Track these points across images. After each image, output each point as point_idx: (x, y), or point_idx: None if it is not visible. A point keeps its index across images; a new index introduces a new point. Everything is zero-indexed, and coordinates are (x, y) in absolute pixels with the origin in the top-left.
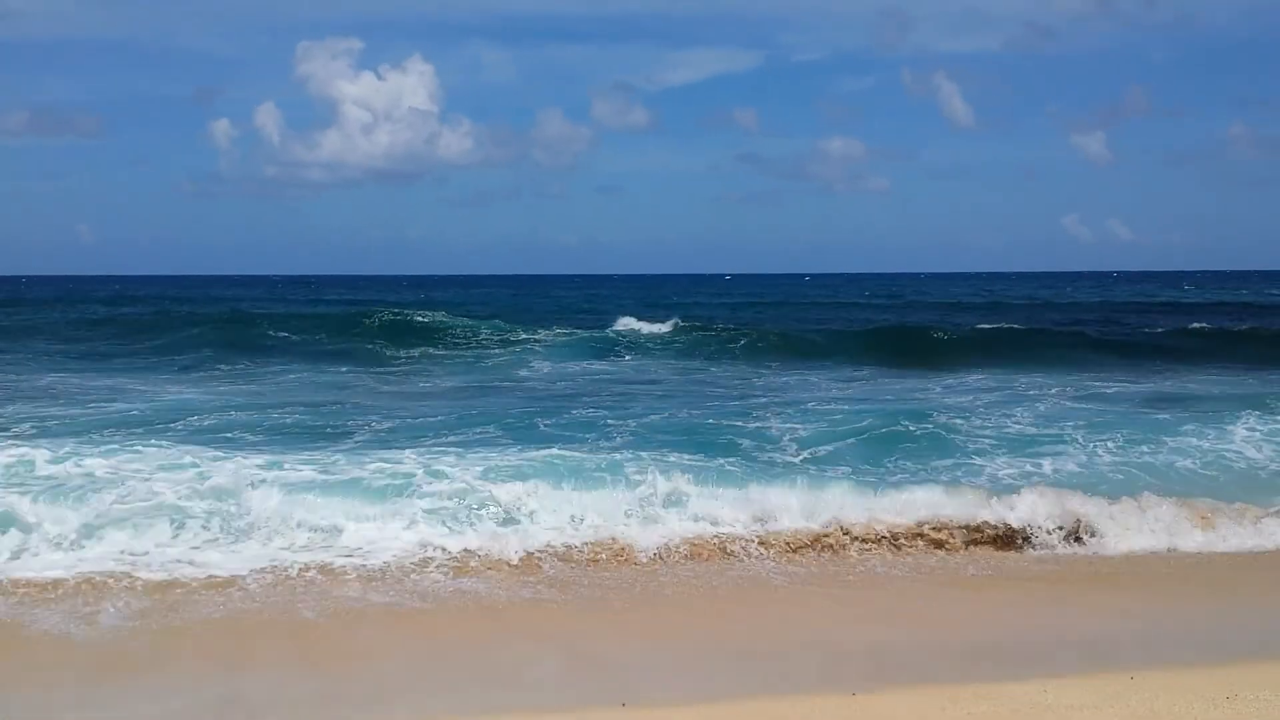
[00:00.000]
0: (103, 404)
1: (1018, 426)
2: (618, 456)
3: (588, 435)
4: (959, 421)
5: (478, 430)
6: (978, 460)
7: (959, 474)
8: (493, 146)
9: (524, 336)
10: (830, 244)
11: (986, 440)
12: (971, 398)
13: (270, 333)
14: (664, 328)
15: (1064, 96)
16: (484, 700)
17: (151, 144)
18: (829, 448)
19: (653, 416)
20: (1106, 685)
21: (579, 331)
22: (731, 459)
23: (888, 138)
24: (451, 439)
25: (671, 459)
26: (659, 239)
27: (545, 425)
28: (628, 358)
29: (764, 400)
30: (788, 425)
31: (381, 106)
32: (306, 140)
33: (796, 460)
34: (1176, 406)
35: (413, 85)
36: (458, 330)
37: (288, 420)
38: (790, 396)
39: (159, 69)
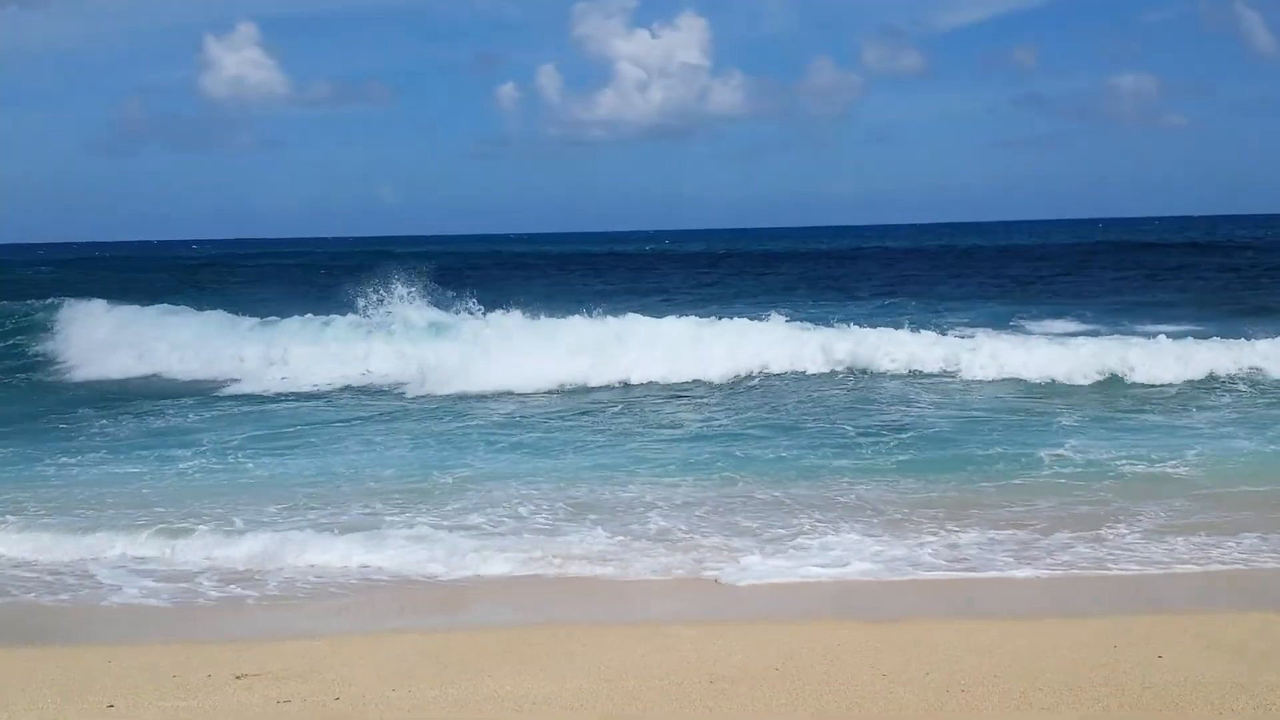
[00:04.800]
0: None
1: None
2: None
3: None
4: None
5: None
6: None
7: None
8: (763, 98)
9: None
10: (1121, 186)
11: None
12: None
13: None
14: None
15: None
16: None
17: (439, 109)
18: None
19: None
20: None
21: None
22: None
23: (1183, 72)
24: None
25: None
26: (934, 186)
27: None
28: None
29: None
30: None
31: (655, 63)
32: (585, 100)
33: None
34: None
35: (684, 41)
36: None
37: None
38: None
39: (445, 36)
